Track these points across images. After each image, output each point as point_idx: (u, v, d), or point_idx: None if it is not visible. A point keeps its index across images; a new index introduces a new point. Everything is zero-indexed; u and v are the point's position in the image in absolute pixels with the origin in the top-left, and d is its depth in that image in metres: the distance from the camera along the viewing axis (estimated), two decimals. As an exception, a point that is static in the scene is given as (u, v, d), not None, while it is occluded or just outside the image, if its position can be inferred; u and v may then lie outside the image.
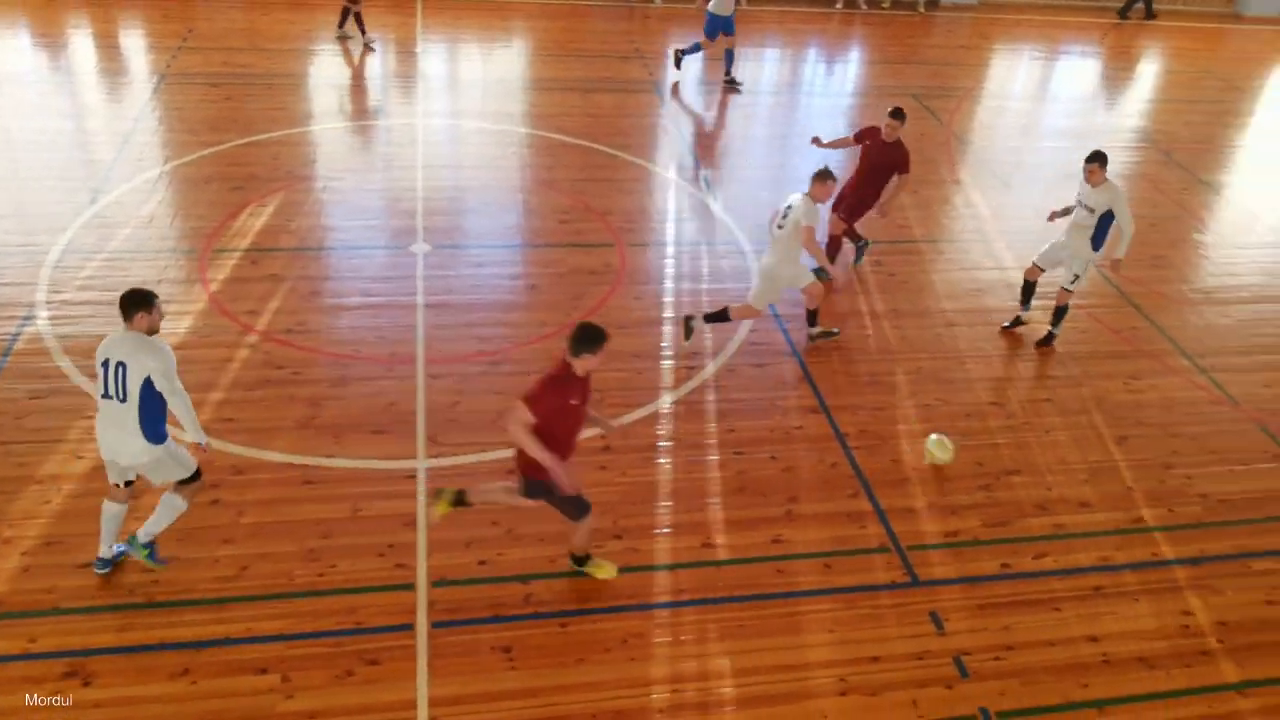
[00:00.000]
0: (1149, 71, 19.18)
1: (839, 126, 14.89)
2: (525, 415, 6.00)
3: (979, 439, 8.79)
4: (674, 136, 13.91)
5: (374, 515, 7.42)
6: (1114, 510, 8.16)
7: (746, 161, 13.34)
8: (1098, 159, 9.35)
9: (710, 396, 8.95)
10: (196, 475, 6.60)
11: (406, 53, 16.32)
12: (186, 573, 6.77)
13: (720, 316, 9.37)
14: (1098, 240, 9.58)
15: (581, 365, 6.12)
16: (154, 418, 6.20)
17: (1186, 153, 15.12)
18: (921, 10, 20.26)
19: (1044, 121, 16.32)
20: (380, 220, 11.36)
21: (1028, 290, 10.23)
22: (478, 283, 10.34)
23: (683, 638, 6.72)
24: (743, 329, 9.83)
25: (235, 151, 12.48)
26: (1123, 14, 21.68)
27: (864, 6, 20.02)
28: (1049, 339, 10.08)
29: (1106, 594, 7.38)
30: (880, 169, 10.28)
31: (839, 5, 19.91)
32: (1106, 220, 9.44)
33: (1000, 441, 8.79)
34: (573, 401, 6.19)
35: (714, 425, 8.63)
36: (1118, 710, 6.52)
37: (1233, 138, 16.17)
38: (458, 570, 7.05)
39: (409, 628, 6.58)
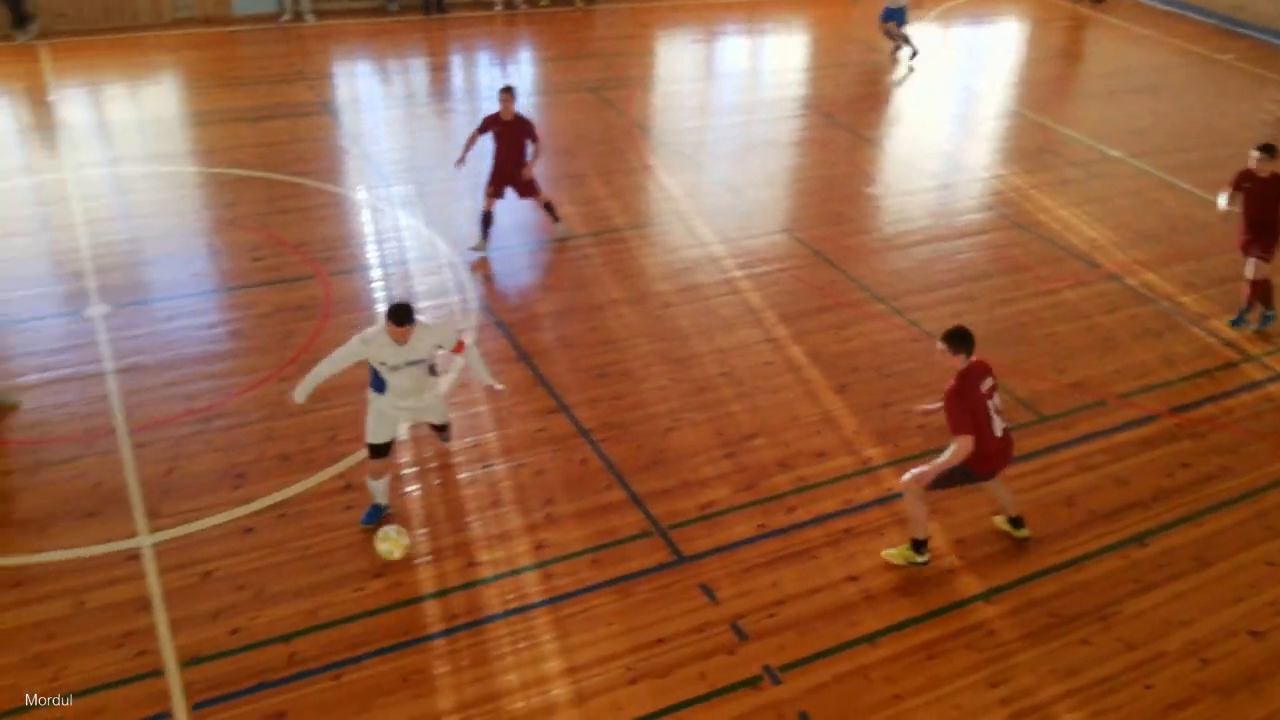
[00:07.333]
0: (797, 42, 20.50)
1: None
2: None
3: (715, 410, 9.06)
4: (356, 156, 13.40)
5: (101, 605, 6.70)
6: (847, 455, 8.64)
7: (440, 175, 13.04)
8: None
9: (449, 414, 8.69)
10: None
11: (38, 103, 14.71)
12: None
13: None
14: None
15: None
16: None
17: (846, 114, 16.28)
18: (580, 5, 20.66)
19: (715, 99, 17.06)
20: (44, 287, 10.23)
21: None
22: (171, 338, 9.53)
23: (463, 663, 6.50)
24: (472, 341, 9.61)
25: None
26: None
27: (522, 5, 20.17)
28: None
29: (856, 534, 7.81)
30: (515, 143, 11.07)
31: (498, 7, 19.93)
32: None
33: (735, 409, 9.09)
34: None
35: (456, 443, 8.39)
36: (886, 640, 6.90)
37: (881, 95, 17.58)
38: (209, 645, 6.47)
39: (165, 717, 5.97)
